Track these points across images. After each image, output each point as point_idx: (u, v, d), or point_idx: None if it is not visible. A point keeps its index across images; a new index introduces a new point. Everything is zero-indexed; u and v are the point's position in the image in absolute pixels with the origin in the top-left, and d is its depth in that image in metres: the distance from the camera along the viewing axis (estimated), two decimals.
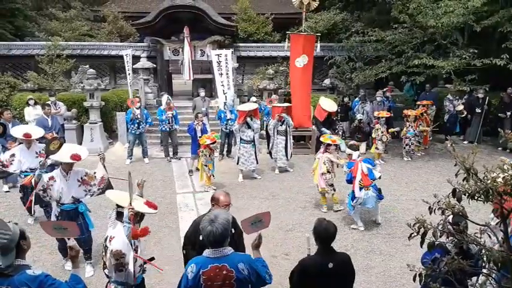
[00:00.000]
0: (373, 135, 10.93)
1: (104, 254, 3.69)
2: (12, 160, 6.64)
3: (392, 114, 11.79)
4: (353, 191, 6.82)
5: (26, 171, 6.78)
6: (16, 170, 6.74)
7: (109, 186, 5.62)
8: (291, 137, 10.29)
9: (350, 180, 6.88)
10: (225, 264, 2.93)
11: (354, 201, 6.79)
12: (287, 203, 8.07)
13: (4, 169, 6.71)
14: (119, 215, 3.70)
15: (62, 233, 3.40)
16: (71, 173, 5.37)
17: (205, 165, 8.68)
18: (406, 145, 11.15)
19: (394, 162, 11.01)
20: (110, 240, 3.57)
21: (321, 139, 8.44)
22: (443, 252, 3.36)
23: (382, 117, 10.88)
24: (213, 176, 8.93)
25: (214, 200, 3.91)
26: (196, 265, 2.96)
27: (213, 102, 12.17)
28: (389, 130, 10.77)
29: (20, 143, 7.07)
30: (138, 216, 3.80)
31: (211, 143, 8.72)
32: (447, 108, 12.73)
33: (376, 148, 10.90)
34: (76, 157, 5.23)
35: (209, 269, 2.92)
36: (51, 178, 5.25)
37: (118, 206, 3.74)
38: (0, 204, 7.91)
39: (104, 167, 5.54)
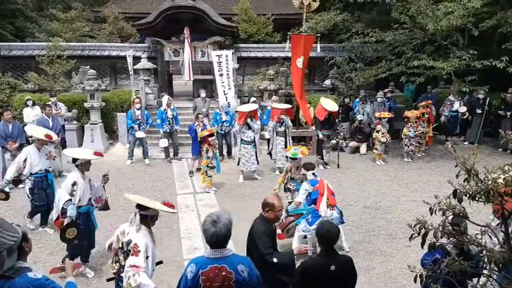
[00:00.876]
0: (374, 135, 10.94)
1: (122, 257, 3.61)
2: (25, 165, 6.61)
3: (393, 115, 11.80)
4: (314, 211, 5.73)
5: (37, 173, 6.71)
6: (26, 174, 6.67)
7: (106, 207, 5.70)
8: (290, 138, 10.30)
9: (315, 200, 5.76)
10: (224, 265, 2.93)
11: (316, 223, 5.32)
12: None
13: (20, 178, 6.69)
14: (143, 218, 3.63)
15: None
16: (86, 175, 5.44)
17: (211, 168, 8.69)
18: (405, 145, 11.15)
19: (395, 162, 11.00)
20: (134, 254, 3.46)
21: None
22: (444, 253, 3.36)
23: (384, 118, 10.89)
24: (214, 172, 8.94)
25: (269, 206, 3.83)
26: (195, 265, 2.96)
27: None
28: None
29: (21, 144, 7.04)
30: (155, 219, 3.76)
31: (209, 135, 8.74)
32: (444, 111, 12.74)
33: (376, 149, 10.91)
34: (99, 153, 5.39)
35: (208, 270, 2.92)
36: (75, 184, 5.24)
37: (140, 208, 3.62)
38: (1, 205, 7.90)
39: (104, 188, 5.64)
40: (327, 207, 5.68)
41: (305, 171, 6.20)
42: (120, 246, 3.66)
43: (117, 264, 3.69)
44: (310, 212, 5.83)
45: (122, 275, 3.57)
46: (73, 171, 5.48)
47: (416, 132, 11.04)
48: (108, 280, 4.06)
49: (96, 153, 5.34)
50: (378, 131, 10.80)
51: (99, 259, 5.90)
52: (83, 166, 5.37)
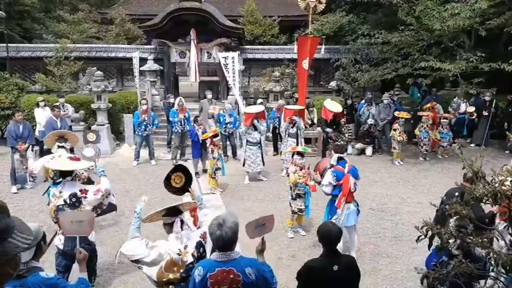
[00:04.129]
0: (391, 134, 11.05)
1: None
2: None
3: (411, 116, 11.80)
4: (334, 207, 5.77)
5: None
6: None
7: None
8: (302, 139, 10.28)
9: (336, 196, 5.75)
10: (232, 268, 2.94)
11: (334, 218, 5.66)
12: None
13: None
14: (183, 223, 3.51)
15: (77, 229, 3.33)
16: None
17: (217, 169, 8.72)
18: (420, 146, 11.29)
19: (401, 164, 10.97)
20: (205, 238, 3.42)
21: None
22: (449, 256, 3.36)
23: (402, 118, 10.91)
24: (219, 174, 8.95)
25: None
26: (203, 268, 2.97)
27: (211, 108, 11.85)
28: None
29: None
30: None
31: (213, 136, 8.77)
32: (451, 110, 12.69)
33: (394, 148, 10.92)
34: (75, 158, 5.07)
35: (216, 273, 2.93)
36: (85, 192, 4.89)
37: (176, 213, 3.54)
38: (9, 206, 7.96)
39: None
40: (345, 203, 5.68)
41: (333, 153, 5.98)
42: (195, 255, 3.45)
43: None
44: (331, 206, 5.84)
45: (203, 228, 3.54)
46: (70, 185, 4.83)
47: (428, 135, 11.13)
48: None
49: (72, 159, 4.94)
50: (395, 130, 10.84)
51: (106, 259, 5.94)
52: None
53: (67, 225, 3.37)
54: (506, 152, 11.85)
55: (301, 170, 6.63)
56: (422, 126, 11.16)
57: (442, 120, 11.55)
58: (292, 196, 6.67)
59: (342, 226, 5.49)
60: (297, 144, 9.87)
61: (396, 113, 11.19)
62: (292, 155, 6.89)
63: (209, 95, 12.41)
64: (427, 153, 11.33)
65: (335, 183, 5.68)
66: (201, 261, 3.14)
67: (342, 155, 5.95)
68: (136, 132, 10.86)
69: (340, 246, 4.99)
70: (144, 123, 10.67)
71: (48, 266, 5.48)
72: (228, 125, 11.04)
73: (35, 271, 2.56)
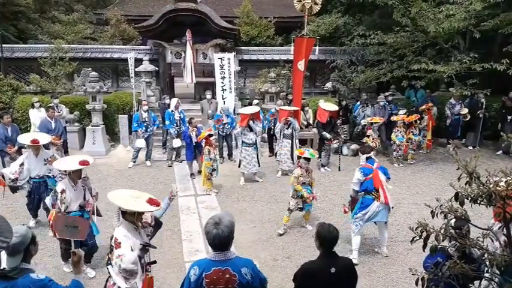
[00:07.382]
0: (364, 140, 10.90)
1: (110, 251, 3.73)
2: (21, 170, 6.55)
3: (385, 120, 11.69)
4: (363, 204, 5.95)
5: (35, 178, 6.74)
6: (25, 179, 6.67)
7: (97, 213, 5.71)
8: (297, 140, 10.27)
9: (365, 190, 5.89)
10: (228, 267, 2.93)
11: (361, 212, 5.93)
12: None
13: (15, 184, 6.62)
14: (123, 213, 3.75)
15: (72, 232, 3.44)
16: (79, 182, 5.46)
17: (213, 170, 8.72)
18: (394, 150, 11.01)
19: (396, 166, 10.98)
20: (117, 247, 3.57)
21: (296, 152, 8.48)
22: (446, 256, 3.36)
23: (375, 123, 10.81)
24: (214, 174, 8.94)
25: None
26: (199, 267, 2.96)
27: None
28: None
29: (20, 148, 6.98)
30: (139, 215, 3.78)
31: (209, 135, 8.78)
32: (447, 113, 12.70)
33: None
34: (85, 163, 5.29)
35: (212, 272, 2.91)
36: (63, 191, 5.29)
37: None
38: (3, 206, 7.92)
39: (91, 192, 5.71)
40: (374, 200, 5.83)
41: (360, 154, 6.20)
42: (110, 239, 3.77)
43: (107, 256, 3.81)
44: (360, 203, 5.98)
45: (108, 267, 3.75)
46: (64, 179, 5.55)
47: (404, 139, 10.91)
48: None
49: (81, 163, 5.24)
50: (368, 136, 10.77)
51: (100, 260, 5.90)
52: (71, 175, 5.39)
53: (61, 229, 3.45)
54: (499, 152, 11.91)
55: (306, 171, 6.87)
56: (398, 131, 10.89)
57: (419, 125, 11.36)
58: (293, 195, 6.87)
59: (370, 222, 6.04)
60: (292, 146, 9.90)
61: (369, 119, 11.10)
62: (298, 158, 7.07)
63: (208, 95, 12.39)
64: (400, 159, 11.09)
65: (363, 179, 5.85)
66: (196, 261, 3.12)
67: (369, 155, 6.15)
68: (141, 135, 10.78)
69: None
70: (145, 124, 10.64)
71: (41, 269, 5.47)
72: (226, 125, 11.02)
73: (26, 272, 2.54)
